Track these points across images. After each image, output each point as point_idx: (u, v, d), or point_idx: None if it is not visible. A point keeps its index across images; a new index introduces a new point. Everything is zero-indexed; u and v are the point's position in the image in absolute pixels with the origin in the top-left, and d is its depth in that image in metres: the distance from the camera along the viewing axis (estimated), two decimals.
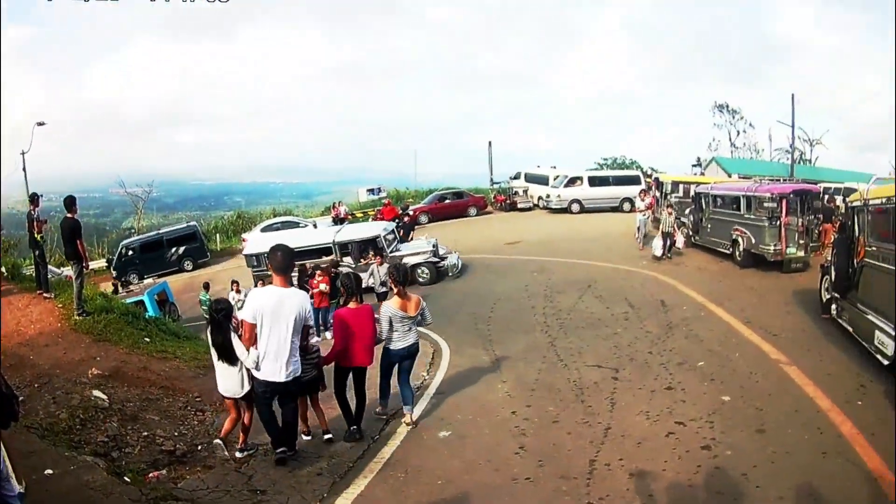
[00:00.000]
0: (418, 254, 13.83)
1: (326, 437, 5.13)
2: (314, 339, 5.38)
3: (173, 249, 21.74)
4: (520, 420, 5.63)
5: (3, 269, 9.62)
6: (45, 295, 8.69)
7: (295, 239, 13.68)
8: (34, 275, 9.33)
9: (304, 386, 4.99)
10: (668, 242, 13.57)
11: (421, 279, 13.40)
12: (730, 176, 27.57)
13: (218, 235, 26.80)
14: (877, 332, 6.14)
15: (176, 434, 5.54)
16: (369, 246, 13.30)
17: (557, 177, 25.74)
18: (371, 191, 30.87)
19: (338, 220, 23.22)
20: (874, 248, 6.57)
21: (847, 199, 7.86)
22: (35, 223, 8.65)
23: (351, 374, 5.28)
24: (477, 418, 5.77)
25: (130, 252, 21.36)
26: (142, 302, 12.26)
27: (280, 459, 4.68)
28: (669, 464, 4.56)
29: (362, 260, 13.09)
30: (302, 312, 4.48)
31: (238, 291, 12.08)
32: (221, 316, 4.69)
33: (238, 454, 4.90)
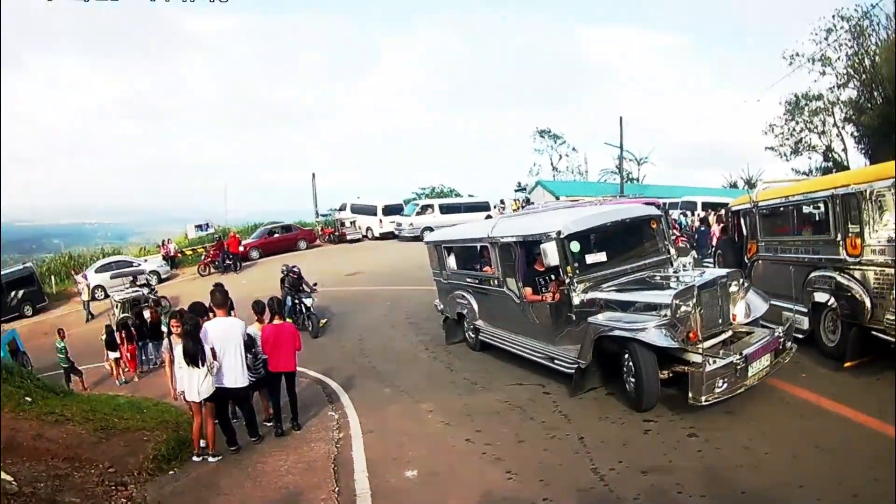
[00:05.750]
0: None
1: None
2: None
3: (12, 294, 19.83)
4: (481, 446, 5.16)
5: None
6: None
7: (457, 232, 10.29)
8: None
9: (253, 387, 6.18)
10: None
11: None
12: (557, 198, 29.27)
13: (53, 278, 24.61)
14: (783, 314, 7.13)
15: None
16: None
17: (408, 202, 26.44)
18: (200, 227, 30.29)
19: (168, 258, 24.43)
20: (764, 244, 7.74)
21: (729, 205, 9.24)
22: None
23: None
24: (432, 452, 5.27)
25: None
26: None
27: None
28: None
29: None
30: (242, 334, 5.85)
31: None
32: (191, 326, 5.48)
33: (210, 459, 5.63)
